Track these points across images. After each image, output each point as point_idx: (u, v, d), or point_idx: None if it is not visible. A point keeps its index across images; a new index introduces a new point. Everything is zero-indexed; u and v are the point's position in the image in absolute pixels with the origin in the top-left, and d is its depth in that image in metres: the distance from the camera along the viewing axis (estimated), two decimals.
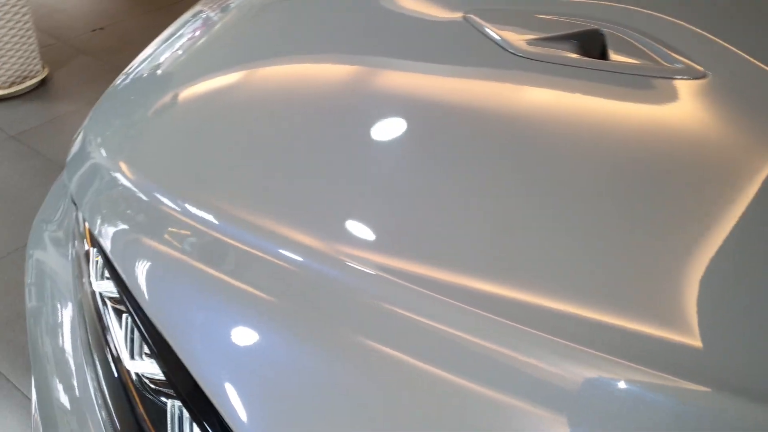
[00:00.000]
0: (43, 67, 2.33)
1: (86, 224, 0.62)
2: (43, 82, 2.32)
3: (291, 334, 0.39)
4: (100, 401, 0.52)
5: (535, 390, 0.33)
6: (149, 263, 0.50)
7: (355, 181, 0.48)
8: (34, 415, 0.63)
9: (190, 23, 0.83)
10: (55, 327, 0.64)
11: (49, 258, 0.73)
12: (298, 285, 0.41)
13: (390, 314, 0.38)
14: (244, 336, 0.41)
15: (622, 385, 0.32)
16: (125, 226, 0.54)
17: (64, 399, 0.57)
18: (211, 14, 0.85)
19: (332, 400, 0.36)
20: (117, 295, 0.53)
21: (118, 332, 0.51)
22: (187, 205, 0.50)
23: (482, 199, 0.46)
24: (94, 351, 0.54)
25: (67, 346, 0.61)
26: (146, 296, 0.48)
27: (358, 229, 0.44)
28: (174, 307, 0.46)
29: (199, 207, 0.49)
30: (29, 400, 1.26)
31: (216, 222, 0.47)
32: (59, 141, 2.03)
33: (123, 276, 0.51)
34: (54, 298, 0.67)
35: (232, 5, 0.84)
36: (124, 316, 0.51)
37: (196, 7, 0.88)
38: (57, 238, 0.74)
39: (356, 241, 0.43)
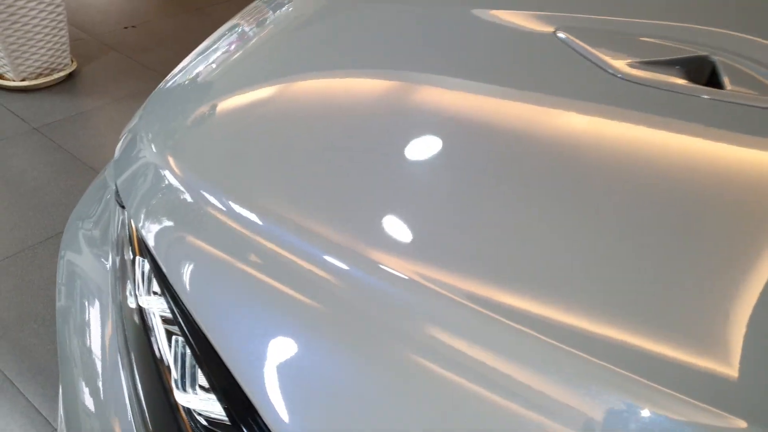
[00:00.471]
0: (72, 61, 2.30)
1: (133, 229, 0.56)
2: (70, 76, 2.29)
3: (346, 349, 0.38)
4: (136, 412, 0.47)
5: (579, 416, 0.32)
6: (204, 271, 0.45)
7: (411, 193, 0.45)
8: (60, 415, 0.59)
9: (235, 30, 0.79)
10: (83, 327, 0.60)
11: (80, 258, 0.68)
12: (345, 294, 0.39)
13: (434, 328, 0.37)
14: (298, 351, 0.39)
15: (658, 411, 0.31)
16: (175, 229, 0.49)
17: (89, 402, 0.54)
18: (253, 27, 0.81)
19: (378, 414, 0.35)
20: (168, 313, 0.47)
21: (167, 353, 0.45)
22: (237, 209, 0.47)
23: (550, 223, 0.41)
24: (134, 361, 0.48)
25: (95, 347, 0.57)
26: (200, 308, 0.43)
27: (406, 238, 0.42)
28: (227, 316, 0.42)
29: (250, 211, 0.46)
30: (34, 407, 1.19)
31: (263, 225, 0.45)
32: (82, 136, 1.99)
33: (175, 287, 0.45)
34: (83, 298, 0.63)
35: (281, 13, 0.80)
36: (174, 338, 0.45)
37: (238, 18, 0.84)
38: (92, 237, 0.69)
39: (403, 250, 0.40)
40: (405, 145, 0.50)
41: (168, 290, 0.48)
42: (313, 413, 0.36)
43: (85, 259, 0.67)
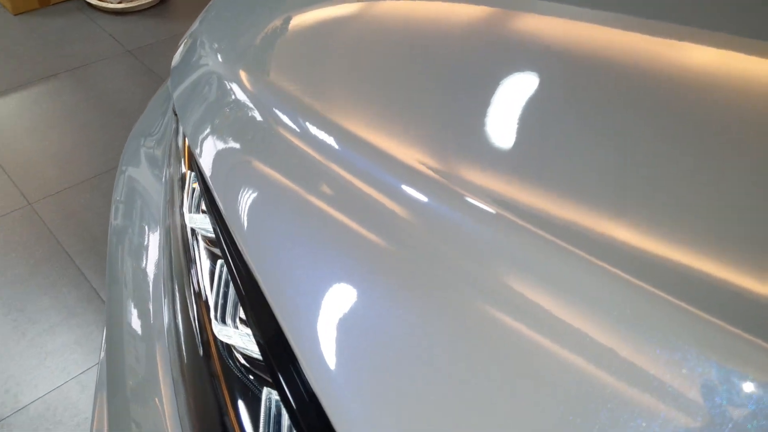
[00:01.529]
0: None
1: (186, 142, 0.51)
2: (163, 0, 2.30)
3: (412, 295, 0.31)
4: (173, 344, 0.43)
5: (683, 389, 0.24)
6: (255, 193, 0.39)
7: (507, 123, 0.36)
8: (102, 341, 0.57)
9: None
10: (140, 249, 0.57)
11: (142, 176, 0.65)
12: (421, 231, 0.33)
13: (523, 275, 0.29)
14: (355, 296, 0.32)
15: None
16: (235, 148, 0.43)
17: (136, 324, 0.52)
18: None
19: (441, 374, 0.28)
20: (212, 235, 0.42)
21: (207, 283, 0.40)
22: (314, 132, 0.40)
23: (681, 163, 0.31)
24: (176, 289, 0.44)
25: (150, 270, 0.53)
26: (246, 233, 0.37)
27: (498, 170, 0.33)
28: (278, 248, 0.36)
29: (327, 134, 0.39)
30: None
31: (340, 150, 0.38)
32: (171, 61, 2.00)
33: (221, 207, 0.39)
34: (142, 220, 0.60)
35: None
36: (219, 263, 0.40)
37: None
38: (153, 156, 0.65)
39: (494, 182, 0.33)
40: (503, 72, 0.40)
41: (216, 214, 0.42)
42: (363, 368, 0.30)
43: (146, 178, 0.64)
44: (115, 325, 0.52)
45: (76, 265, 1.34)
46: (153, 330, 0.48)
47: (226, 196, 0.40)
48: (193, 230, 0.44)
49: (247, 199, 0.38)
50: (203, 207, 0.45)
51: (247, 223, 0.37)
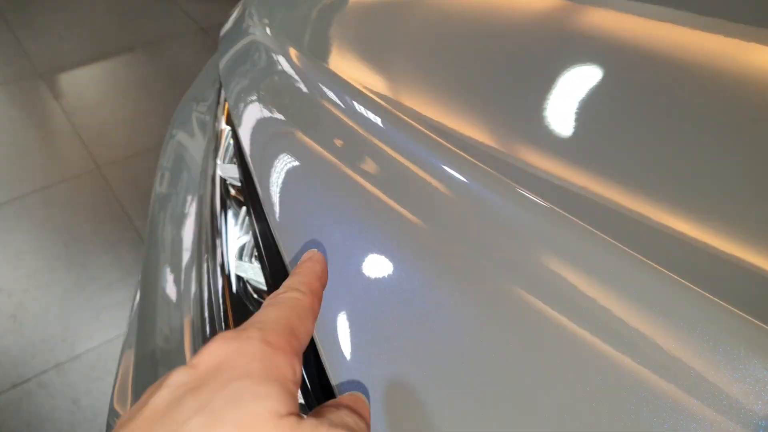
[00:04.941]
0: None
1: (226, 103, 0.52)
2: None
3: (435, 269, 0.30)
4: (198, 317, 0.45)
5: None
6: (282, 152, 0.39)
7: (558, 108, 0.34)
8: (135, 301, 0.59)
9: None
10: (181, 218, 0.58)
11: (190, 143, 0.67)
12: (456, 212, 0.32)
13: (563, 264, 0.27)
14: (374, 261, 0.32)
15: None
16: (271, 110, 0.43)
17: (171, 291, 0.53)
18: None
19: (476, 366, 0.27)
20: (239, 184, 0.43)
21: (231, 229, 0.41)
22: (358, 107, 0.39)
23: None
24: (204, 258, 0.45)
25: (187, 238, 0.55)
26: (268, 185, 0.38)
27: (544, 159, 0.32)
28: (299, 210, 0.36)
29: (374, 114, 0.38)
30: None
31: (384, 128, 0.37)
32: None
33: (249, 162, 0.40)
34: (187, 191, 0.61)
35: None
36: (243, 210, 0.41)
37: None
38: (203, 122, 0.67)
39: (536, 165, 0.32)
40: (561, 65, 0.39)
41: (244, 167, 0.43)
42: (368, 344, 0.30)
43: (195, 143, 0.66)
44: (149, 289, 0.54)
45: (135, 228, 1.41)
46: (184, 300, 0.49)
47: (256, 152, 0.40)
48: (223, 180, 0.45)
49: (272, 154, 0.38)
50: (235, 160, 0.46)
51: (272, 176, 0.37)
